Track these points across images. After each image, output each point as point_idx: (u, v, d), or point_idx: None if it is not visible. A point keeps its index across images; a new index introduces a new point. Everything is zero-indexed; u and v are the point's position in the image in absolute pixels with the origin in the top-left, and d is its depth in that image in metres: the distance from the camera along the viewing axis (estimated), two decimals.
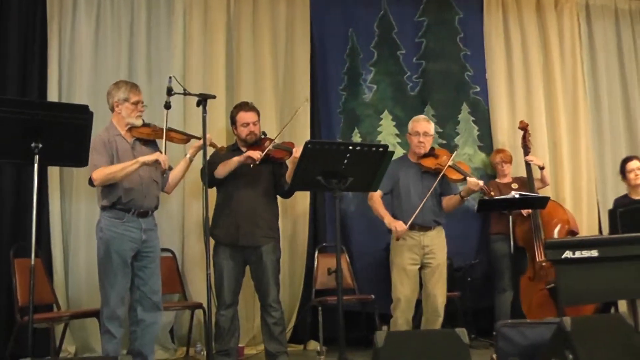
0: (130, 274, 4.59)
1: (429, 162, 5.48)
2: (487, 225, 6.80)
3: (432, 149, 5.60)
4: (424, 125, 5.55)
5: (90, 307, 5.39)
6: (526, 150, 6.65)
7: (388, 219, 5.38)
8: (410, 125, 5.62)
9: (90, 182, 4.54)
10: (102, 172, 4.45)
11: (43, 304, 5.40)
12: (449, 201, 5.55)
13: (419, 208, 5.29)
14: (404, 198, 5.43)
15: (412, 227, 5.36)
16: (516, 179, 6.73)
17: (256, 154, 5.08)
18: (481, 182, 5.37)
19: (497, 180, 6.79)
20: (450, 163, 5.43)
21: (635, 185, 6.29)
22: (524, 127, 6.73)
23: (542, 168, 6.63)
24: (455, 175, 5.44)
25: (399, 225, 5.29)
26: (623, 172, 6.39)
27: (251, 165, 5.08)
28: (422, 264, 5.41)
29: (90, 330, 5.72)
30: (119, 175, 4.47)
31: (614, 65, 7.93)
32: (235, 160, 5.13)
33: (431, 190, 5.36)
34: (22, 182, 5.83)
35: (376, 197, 5.48)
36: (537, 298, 6.08)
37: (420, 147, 5.51)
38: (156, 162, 4.56)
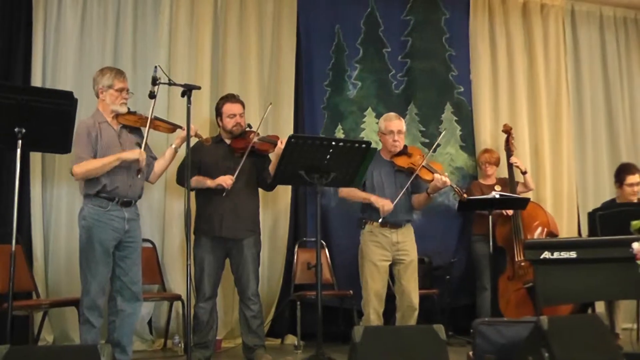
0: (112, 263, 4.57)
1: (402, 161, 5.49)
2: (468, 224, 6.85)
3: (405, 146, 5.60)
4: (397, 124, 5.56)
5: (69, 296, 5.38)
6: (509, 153, 6.68)
7: (374, 198, 5.38)
8: (383, 124, 5.62)
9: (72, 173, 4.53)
10: (83, 168, 4.44)
11: (22, 292, 5.36)
12: (418, 198, 5.56)
13: (396, 201, 5.30)
14: (378, 194, 5.43)
15: (383, 225, 5.40)
16: (500, 180, 6.77)
17: (228, 180, 5.10)
18: (448, 180, 5.34)
19: (480, 180, 6.82)
20: (424, 163, 5.45)
21: (629, 199, 6.20)
22: (507, 130, 6.75)
23: (524, 172, 6.64)
24: (429, 176, 5.43)
25: (386, 203, 5.31)
26: (621, 181, 6.27)
27: (224, 194, 5.10)
28: (393, 260, 5.44)
29: (69, 319, 5.68)
30: (99, 171, 4.47)
31: (598, 71, 8.01)
32: (207, 184, 5.17)
33: (404, 189, 5.39)
34: (2, 168, 5.77)
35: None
36: (515, 297, 6.14)
37: (396, 146, 5.52)
38: (135, 162, 4.55)
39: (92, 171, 4.45)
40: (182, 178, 5.14)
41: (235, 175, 5.13)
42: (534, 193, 7.21)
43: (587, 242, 5.04)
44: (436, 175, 5.33)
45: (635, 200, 6.20)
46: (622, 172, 6.33)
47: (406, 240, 5.49)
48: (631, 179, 6.23)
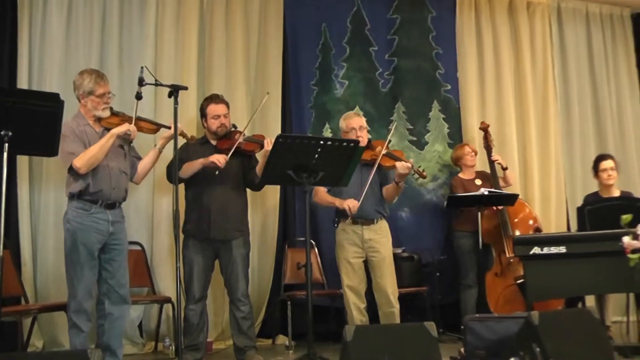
0: (98, 266, 4.54)
1: (365, 155, 5.45)
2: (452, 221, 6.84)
3: (369, 141, 5.59)
4: (358, 120, 5.57)
5: (58, 300, 5.32)
6: (489, 150, 6.69)
7: (339, 202, 5.39)
8: (344, 123, 5.61)
9: (71, 171, 4.47)
10: (84, 158, 4.42)
11: (10, 297, 5.30)
12: (387, 190, 5.55)
13: (362, 196, 5.28)
14: (345, 191, 5.40)
15: (355, 222, 5.41)
16: (478, 174, 6.77)
17: (221, 159, 5.07)
18: (410, 162, 5.32)
19: (460, 175, 6.79)
20: (384, 151, 5.43)
21: (606, 184, 6.35)
22: (484, 128, 6.78)
23: (505, 169, 6.64)
24: (389, 162, 5.43)
25: (351, 203, 5.30)
26: (596, 170, 6.43)
27: (216, 172, 5.07)
28: (366, 257, 5.45)
29: (58, 324, 5.62)
30: (100, 155, 4.46)
31: (584, 67, 8.07)
32: (199, 162, 5.12)
33: (369, 180, 5.35)
34: None
35: (321, 191, 5.52)
36: (506, 293, 6.12)
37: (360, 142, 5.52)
38: (126, 134, 4.55)
39: (93, 157, 4.44)
40: (172, 174, 5.12)
41: (228, 156, 5.09)
42: (522, 187, 7.28)
43: (577, 236, 5.07)
44: (398, 163, 5.32)
45: (611, 184, 6.32)
46: (596, 161, 6.48)
47: (378, 237, 5.48)
48: (604, 164, 6.37)
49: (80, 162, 4.41)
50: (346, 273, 5.42)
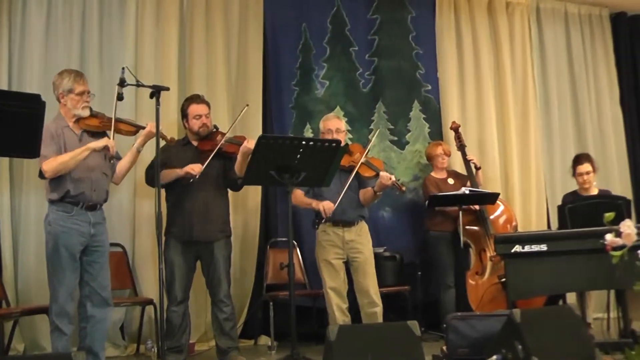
0: (79, 269, 4.51)
1: (343, 160, 5.44)
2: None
3: (347, 144, 5.60)
4: (336, 122, 5.60)
5: (40, 303, 5.27)
6: (463, 150, 6.72)
7: (315, 203, 5.40)
8: (322, 124, 5.63)
9: (41, 175, 4.46)
10: (52, 163, 4.38)
11: None
12: (364, 195, 5.56)
13: (338, 201, 5.28)
14: (325, 196, 5.42)
15: (335, 224, 5.43)
16: (450, 173, 6.78)
17: (196, 168, 5.06)
18: (393, 177, 5.33)
19: (432, 175, 6.78)
20: (362, 160, 5.46)
21: (584, 188, 6.41)
22: (455, 128, 6.82)
23: (478, 168, 6.66)
24: (368, 173, 5.47)
25: (326, 204, 5.31)
26: (573, 171, 6.48)
27: (191, 180, 5.05)
28: (348, 259, 5.46)
29: (40, 328, 5.57)
30: (70, 164, 4.41)
31: (564, 67, 8.13)
32: (175, 173, 5.12)
33: (346, 187, 5.36)
34: None
35: (298, 193, 5.52)
36: (489, 292, 6.14)
37: None
38: (105, 149, 4.52)
39: (62, 165, 4.40)
40: (150, 178, 5.11)
41: (204, 166, 5.07)
42: (503, 186, 7.31)
43: (558, 235, 5.12)
44: (382, 173, 5.34)
45: (587, 187, 6.37)
46: (573, 163, 6.52)
47: (359, 239, 5.50)
48: (580, 168, 6.42)
49: (49, 166, 4.38)
50: (328, 274, 5.42)
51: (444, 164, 6.77)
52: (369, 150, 5.63)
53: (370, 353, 3.88)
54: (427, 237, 6.67)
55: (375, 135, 6.03)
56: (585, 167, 6.39)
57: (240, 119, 5.54)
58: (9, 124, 3.71)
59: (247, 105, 5.61)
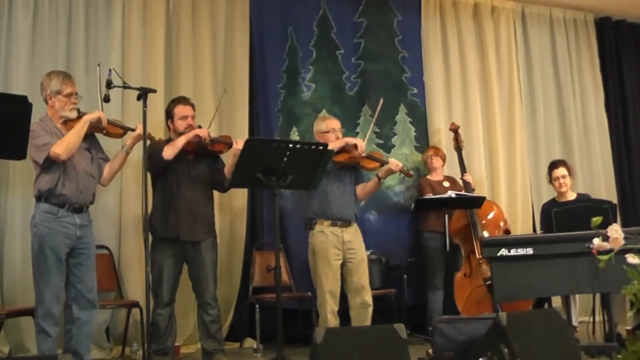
0: (65, 271, 4.49)
1: (342, 157, 5.47)
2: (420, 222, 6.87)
3: (332, 150, 5.62)
4: (335, 122, 5.64)
5: (25, 305, 5.24)
6: (459, 151, 6.75)
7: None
8: (323, 124, 5.63)
9: (46, 162, 4.40)
10: (61, 145, 4.39)
11: None
12: (364, 188, 5.60)
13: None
14: (331, 196, 5.44)
15: (334, 224, 5.43)
16: (447, 178, 6.83)
17: (204, 132, 5.09)
18: (400, 164, 5.42)
19: (428, 177, 6.84)
20: (364, 153, 5.48)
21: (560, 192, 6.46)
22: (455, 129, 6.85)
23: (472, 189, 6.68)
24: (372, 164, 5.50)
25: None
26: (549, 177, 6.54)
27: (188, 157, 5.04)
28: (344, 259, 5.45)
29: (25, 330, 5.54)
30: (77, 139, 4.44)
31: (549, 71, 8.17)
32: (183, 138, 5.09)
33: (347, 185, 5.47)
34: None
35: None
36: (475, 294, 6.16)
37: None
38: (98, 121, 4.54)
39: (72, 143, 4.42)
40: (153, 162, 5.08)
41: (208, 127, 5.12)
42: (489, 190, 7.34)
43: (544, 238, 5.14)
44: (392, 160, 5.47)
45: (564, 191, 6.43)
46: (549, 170, 6.59)
47: (355, 239, 5.51)
48: (556, 172, 6.48)
49: (59, 148, 4.38)
50: (325, 275, 5.37)
51: (436, 164, 6.82)
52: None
53: (356, 355, 3.88)
54: (420, 237, 6.73)
55: (380, 105, 6.00)
56: (561, 170, 6.44)
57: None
58: None
59: (225, 90, 5.61)
